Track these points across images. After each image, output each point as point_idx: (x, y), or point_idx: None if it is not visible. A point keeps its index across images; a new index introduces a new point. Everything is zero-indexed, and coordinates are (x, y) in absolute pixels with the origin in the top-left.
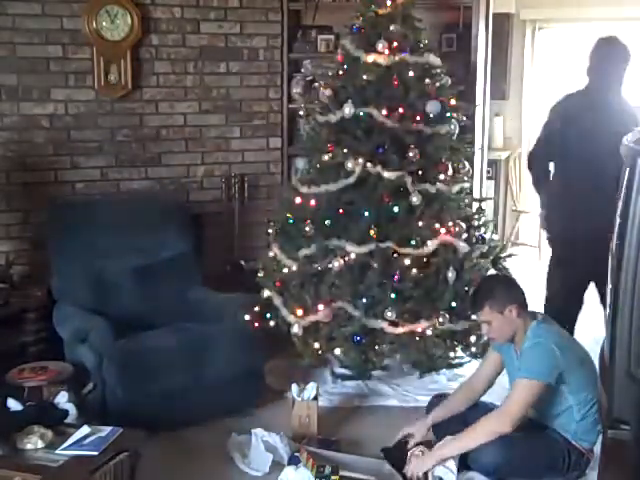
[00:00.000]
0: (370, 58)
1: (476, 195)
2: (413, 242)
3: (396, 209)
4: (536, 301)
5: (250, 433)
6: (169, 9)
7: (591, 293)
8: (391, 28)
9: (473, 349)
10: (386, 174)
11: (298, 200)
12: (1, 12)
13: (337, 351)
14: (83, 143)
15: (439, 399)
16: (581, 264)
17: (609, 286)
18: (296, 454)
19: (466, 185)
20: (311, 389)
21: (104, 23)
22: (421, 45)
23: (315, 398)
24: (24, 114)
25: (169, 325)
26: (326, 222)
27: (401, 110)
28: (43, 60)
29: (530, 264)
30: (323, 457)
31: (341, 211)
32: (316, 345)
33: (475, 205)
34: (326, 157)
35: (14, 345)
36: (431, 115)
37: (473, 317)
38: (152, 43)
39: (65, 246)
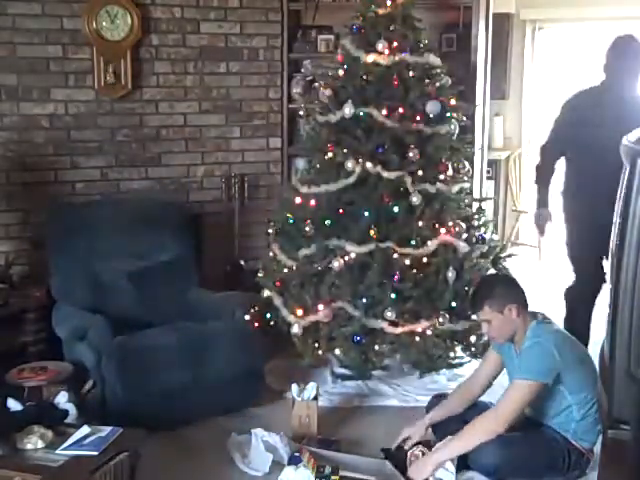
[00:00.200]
0: (370, 58)
1: (476, 195)
2: (413, 242)
3: (396, 209)
4: (536, 301)
5: (250, 433)
6: (169, 9)
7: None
8: (391, 28)
9: (473, 349)
10: (386, 174)
11: (298, 200)
12: (1, 12)
13: (337, 351)
14: (83, 143)
15: (439, 399)
16: (600, 240)
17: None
18: (297, 454)
19: (466, 185)
20: (311, 389)
21: (104, 23)
22: (421, 45)
23: (315, 398)
24: (24, 114)
25: (169, 324)
26: (326, 222)
27: (401, 110)
28: (43, 60)
29: (530, 264)
30: (323, 457)
31: (341, 211)
32: (316, 345)
33: (475, 205)
34: (326, 157)
35: (14, 345)
36: (431, 115)
37: (473, 317)
38: (152, 43)
39: (65, 246)
